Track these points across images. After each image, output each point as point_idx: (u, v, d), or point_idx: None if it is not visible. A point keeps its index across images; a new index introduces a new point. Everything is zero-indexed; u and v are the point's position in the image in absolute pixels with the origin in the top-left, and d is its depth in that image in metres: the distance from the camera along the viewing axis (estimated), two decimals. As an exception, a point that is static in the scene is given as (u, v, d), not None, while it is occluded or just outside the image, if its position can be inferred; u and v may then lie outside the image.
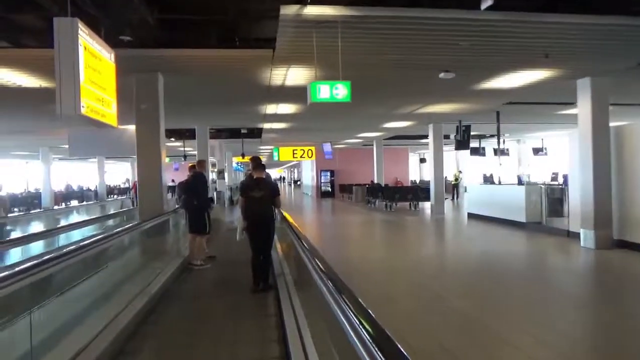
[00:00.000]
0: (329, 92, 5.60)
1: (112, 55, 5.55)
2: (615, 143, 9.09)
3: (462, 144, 15.80)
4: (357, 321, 1.70)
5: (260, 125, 16.44)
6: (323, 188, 30.21)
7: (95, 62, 4.91)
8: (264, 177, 6.36)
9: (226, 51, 6.86)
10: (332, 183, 30.28)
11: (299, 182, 46.05)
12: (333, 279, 2.40)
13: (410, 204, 19.27)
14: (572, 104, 12.93)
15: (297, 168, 51.24)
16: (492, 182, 15.38)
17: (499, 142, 15.17)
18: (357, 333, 1.64)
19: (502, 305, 5.79)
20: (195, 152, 16.01)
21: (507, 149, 23.48)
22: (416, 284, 6.87)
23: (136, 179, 19.69)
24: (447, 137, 24.15)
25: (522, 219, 12.14)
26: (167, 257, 7.76)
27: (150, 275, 6.29)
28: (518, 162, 27.15)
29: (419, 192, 19.11)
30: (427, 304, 5.76)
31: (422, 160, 38.79)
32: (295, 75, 8.33)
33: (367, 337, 1.54)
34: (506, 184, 14.66)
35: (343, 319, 1.89)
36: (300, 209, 21.93)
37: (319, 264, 2.89)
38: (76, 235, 12.41)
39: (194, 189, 7.76)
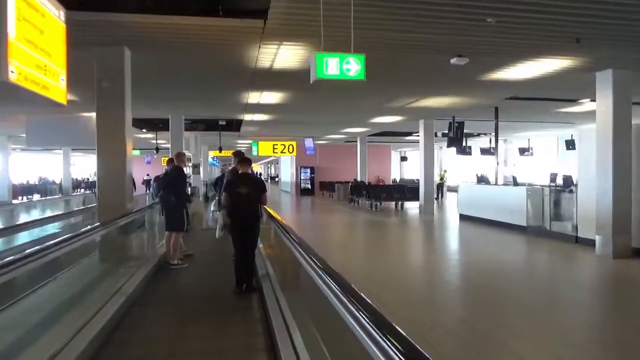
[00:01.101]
0: (337, 67, 4.50)
1: (62, 14, 4.32)
2: (636, 143, 8.29)
3: (454, 142, 14.94)
4: (368, 322, 1.59)
5: (241, 117, 15.23)
6: (303, 185, 29.14)
7: (34, 15, 3.70)
8: (250, 172, 6.10)
9: (208, 20, 5.69)
10: (312, 180, 29.22)
11: (276, 179, 44.77)
12: (339, 281, 2.18)
13: (396, 203, 18.38)
14: (574, 100, 12.24)
15: (275, 164, 49.92)
16: (487, 182, 14.58)
17: (497, 141, 14.37)
18: (373, 340, 1.49)
19: (517, 319, 5.02)
20: (169, 145, 14.67)
21: (494, 148, 22.90)
22: (415, 294, 6.11)
23: None
24: (403, 134, 23.58)
25: (522, 222, 11.32)
26: (141, 256, 7.22)
27: (123, 276, 5.74)
28: (504, 162, 26.59)
29: (406, 191, 18.21)
30: (430, 316, 5.09)
31: (403, 159, 38.15)
32: (286, 55, 7.22)
33: (389, 345, 1.36)
34: (502, 184, 13.85)
35: (352, 321, 1.75)
36: (280, 207, 20.77)
37: (318, 262, 2.64)
38: (26, 236, 11.06)
39: (172, 184, 7.27)
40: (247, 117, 14.92)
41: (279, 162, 43.77)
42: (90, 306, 4.39)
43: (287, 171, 33.74)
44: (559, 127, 20.57)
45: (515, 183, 13.68)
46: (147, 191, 13.41)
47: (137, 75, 8.12)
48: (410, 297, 6.06)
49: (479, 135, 25.13)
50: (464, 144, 17.36)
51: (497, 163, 14.07)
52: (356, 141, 25.07)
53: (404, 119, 15.69)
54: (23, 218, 16.02)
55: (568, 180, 11.43)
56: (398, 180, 34.28)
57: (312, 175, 29.17)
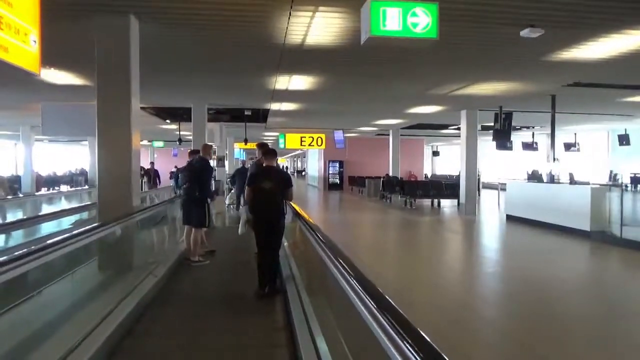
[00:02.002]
0: (399, 20, 3.30)
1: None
2: None
3: (501, 134, 13.54)
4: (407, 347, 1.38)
5: (267, 106, 14.16)
6: (331, 180, 28.01)
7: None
8: (275, 165, 5.63)
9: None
10: (340, 175, 28.05)
11: (303, 173, 43.79)
12: (372, 292, 1.92)
13: (432, 201, 17.07)
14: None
15: (302, 157, 48.94)
16: (540, 180, 13.13)
17: (553, 135, 12.85)
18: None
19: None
20: (192, 136, 13.74)
21: (536, 143, 21.25)
22: (464, 313, 5.13)
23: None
24: (457, 127, 21.96)
25: (585, 226, 9.92)
26: (161, 252, 6.93)
27: (141, 273, 5.36)
28: (547, 158, 24.79)
29: (444, 188, 16.87)
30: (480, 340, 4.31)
31: (435, 154, 36.53)
32: (321, 26, 6.07)
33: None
34: (559, 182, 12.40)
35: (386, 340, 1.53)
36: (306, 203, 19.71)
37: (349, 269, 2.35)
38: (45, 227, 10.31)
39: (200, 177, 6.87)
40: (274, 106, 13.85)
41: (306, 156, 42.79)
42: (98, 309, 3.99)
43: (314, 165, 32.66)
44: (611, 121, 18.82)
45: (572, 181, 12.24)
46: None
47: (148, 53, 7.13)
48: (458, 316, 5.00)
49: (520, 128, 23.40)
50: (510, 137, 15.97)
51: (555, 159, 12.57)
52: (388, 134, 23.79)
53: (445, 109, 14.33)
54: (44, 210, 15.40)
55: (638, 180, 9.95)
56: (429, 176, 32.82)
57: (341, 169, 28.00)
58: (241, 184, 12.96)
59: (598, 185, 11.03)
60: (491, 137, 16.40)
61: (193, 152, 7.60)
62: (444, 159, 38.62)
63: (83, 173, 30.46)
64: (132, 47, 5.63)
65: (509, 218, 12.80)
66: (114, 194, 5.47)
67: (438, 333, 4.04)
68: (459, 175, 29.79)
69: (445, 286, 6.58)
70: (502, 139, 13.78)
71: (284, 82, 9.87)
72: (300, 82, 9.90)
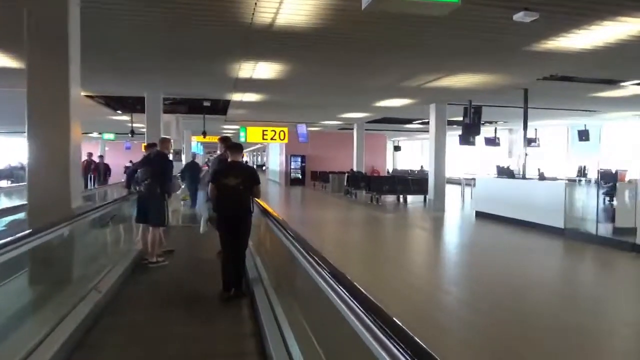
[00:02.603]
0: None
1: None
2: None
3: (470, 129, 13.26)
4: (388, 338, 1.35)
5: (228, 97, 13.28)
6: (293, 175, 27.29)
7: None
8: (240, 160, 5.40)
9: None
10: (303, 169, 27.38)
11: (264, 167, 42.82)
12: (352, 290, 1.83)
13: (398, 197, 16.68)
14: (617, 82, 10.59)
15: (262, 152, 47.88)
16: (511, 176, 12.92)
17: (525, 128, 12.61)
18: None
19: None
20: (145, 129, 12.67)
21: (499, 139, 21.32)
22: (431, 317, 4.84)
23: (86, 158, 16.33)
24: (426, 122, 21.79)
25: (559, 223, 9.68)
26: (114, 254, 6.44)
27: (95, 276, 5.00)
28: (508, 154, 25.10)
29: (410, 183, 16.51)
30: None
31: (397, 149, 36.51)
32: (296, 4, 5.36)
33: None
34: (529, 179, 12.19)
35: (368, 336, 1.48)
36: (268, 199, 18.92)
37: (325, 265, 2.27)
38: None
39: (162, 173, 6.48)
40: (236, 97, 13.00)
41: (267, 150, 41.84)
42: (46, 319, 3.61)
43: (275, 159, 31.83)
44: (572, 117, 19.07)
45: (542, 177, 12.07)
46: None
47: (93, 31, 6.22)
48: (429, 317, 4.61)
49: (484, 123, 23.41)
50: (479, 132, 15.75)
51: (526, 154, 12.35)
52: (351, 128, 23.32)
53: (414, 103, 13.91)
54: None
55: (608, 175, 9.82)
56: (391, 171, 32.69)
57: (303, 164, 27.33)
58: (192, 179, 12.24)
59: (570, 181, 10.88)
60: (454, 132, 16.07)
61: (150, 146, 7.24)
62: (405, 154, 38.71)
63: (24, 167, 28.42)
64: (71, 21, 4.72)
65: (479, 214, 12.52)
66: (48, 195, 4.55)
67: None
68: (422, 170, 30.22)
69: (418, 286, 6.09)
70: (472, 134, 13.49)
71: (248, 69, 9.07)
72: (267, 70, 9.13)
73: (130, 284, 5.52)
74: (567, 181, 10.95)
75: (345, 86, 11.31)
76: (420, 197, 16.39)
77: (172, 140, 15.55)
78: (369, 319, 1.52)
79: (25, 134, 4.57)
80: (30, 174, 4.57)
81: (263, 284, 4.91)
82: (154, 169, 6.44)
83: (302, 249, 2.92)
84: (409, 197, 16.51)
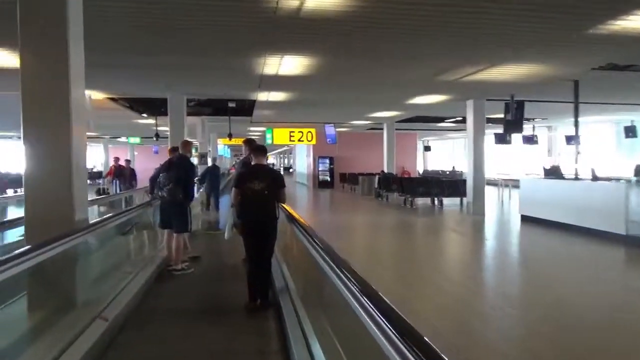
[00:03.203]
0: None
1: None
2: None
3: (512, 126, 12.30)
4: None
5: (253, 97, 12.69)
6: (321, 177, 26.62)
7: None
8: (265, 163, 5.16)
9: None
10: (331, 171, 26.68)
11: (291, 170, 42.33)
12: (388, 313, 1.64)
13: (433, 200, 15.76)
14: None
15: (289, 154, 47.43)
16: (560, 176, 11.88)
17: (577, 125, 11.61)
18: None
19: None
20: (169, 132, 12.18)
21: (536, 137, 20.12)
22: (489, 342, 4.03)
23: (113, 163, 15.97)
24: (460, 120, 20.74)
25: (619, 229, 8.68)
26: (140, 259, 6.33)
27: (117, 284, 4.91)
28: (548, 152, 23.79)
29: (446, 185, 15.59)
30: None
31: (427, 149, 35.37)
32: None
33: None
34: (582, 179, 11.14)
35: None
36: (296, 202, 18.28)
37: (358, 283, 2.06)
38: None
39: (185, 177, 6.37)
40: (261, 96, 12.39)
41: (293, 152, 41.36)
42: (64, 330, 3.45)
43: (303, 162, 31.23)
44: (618, 112, 17.80)
45: (595, 177, 11.02)
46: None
47: (110, 30, 5.68)
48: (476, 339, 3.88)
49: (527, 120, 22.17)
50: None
51: (578, 153, 11.33)
52: (380, 128, 22.51)
53: (449, 99, 13.02)
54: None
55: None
56: (421, 172, 31.64)
57: (332, 166, 26.63)
58: (213, 183, 11.77)
59: (631, 181, 9.83)
60: (489, 131, 15.00)
61: (174, 150, 7.13)
62: (435, 154, 37.55)
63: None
64: (70, 4, 4.12)
65: (525, 219, 11.54)
66: (47, 207, 3.96)
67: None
68: (453, 171, 29.10)
69: (465, 300, 5.28)
70: (513, 131, 12.54)
71: (274, 65, 8.41)
72: (294, 64, 8.45)
73: (153, 294, 5.32)
74: (627, 182, 9.88)
75: (379, 82, 10.54)
76: (456, 200, 15.49)
77: (196, 144, 15.09)
78: (404, 346, 1.39)
79: (21, 138, 3.99)
80: (27, 183, 3.97)
81: (290, 294, 4.68)
82: (177, 174, 6.29)
83: (332, 263, 2.66)
84: (445, 200, 15.59)
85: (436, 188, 15.37)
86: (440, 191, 15.34)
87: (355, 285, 2.06)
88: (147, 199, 8.16)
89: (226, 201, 18.84)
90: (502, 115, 14.33)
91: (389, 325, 1.54)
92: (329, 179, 26.48)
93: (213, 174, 11.85)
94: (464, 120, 20.87)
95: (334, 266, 2.58)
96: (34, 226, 3.93)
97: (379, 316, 1.66)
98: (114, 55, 7.93)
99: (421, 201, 15.99)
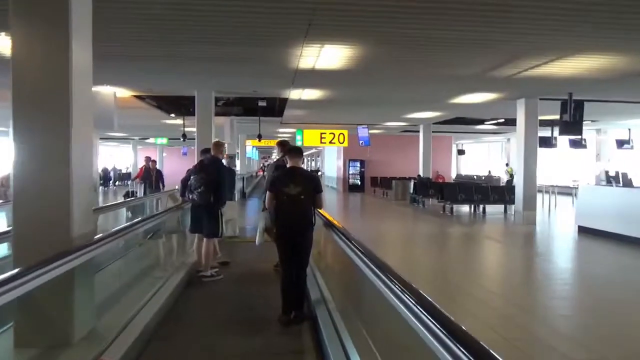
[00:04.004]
0: None
1: None
2: None
3: (570, 128, 11.12)
4: None
5: (285, 95, 11.88)
6: (351, 181, 25.69)
7: None
8: (301, 166, 4.85)
9: None
10: (362, 175, 25.72)
11: (320, 173, 41.54)
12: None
13: (475, 207, 14.64)
14: None
15: (317, 157, 46.60)
16: (627, 184, 10.67)
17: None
18: None
19: None
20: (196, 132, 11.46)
21: (585, 140, 18.70)
22: None
23: (144, 164, 15.25)
24: (502, 122, 19.50)
25: None
26: (169, 265, 6.20)
27: (145, 290, 4.72)
28: (596, 157, 22.25)
29: (490, 191, 14.45)
30: None
31: (461, 152, 33.99)
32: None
33: None
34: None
35: None
36: (329, 208, 17.37)
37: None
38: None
39: (216, 180, 6.13)
40: (294, 94, 11.58)
41: (322, 155, 40.53)
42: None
43: (332, 164, 30.36)
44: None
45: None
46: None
47: (120, 9, 4.94)
48: None
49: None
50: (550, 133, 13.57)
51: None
52: (413, 131, 21.50)
53: (497, 98, 11.92)
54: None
55: None
56: (454, 176, 30.34)
57: (362, 169, 25.68)
58: (229, 185, 11.00)
59: None
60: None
61: (205, 151, 6.80)
62: (469, 158, 36.13)
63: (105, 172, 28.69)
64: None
65: (583, 230, 10.36)
66: (39, 219, 3.18)
67: None
68: (489, 176, 27.74)
69: (529, 329, 4.27)
70: (571, 133, 11.38)
71: (311, 56, 7.56)
72: (333, 56, 7.57)
73: (181, 301, 5.11)
74: None
75: (424, 77, 9.57)
76: (499, 208, 14.37)
77: (226, 145, 14.41)
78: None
79: (11, 130, 3.22)
80: (16, 193, 3.18)
81: (327, 306, 4.45)
82: (208, 176, 6.07)
83: (382, 274, 2.43)
84: (489, 208, 14.46)
85: (479, 194, 14.24)
86: (484, 198, 14.21)
87: (411, 299, 1.90)
88: (170, 205, 7.82)
89: (254, 205, 18.28)
90: (547, 117, 13.23)
91: (458, 346, 1.42)
92: (359, 183, 25.55)
93: (229, 176, 11.05)
94: (506, 123, 19.75)
95: (383, 276, 2.38)
96: (23, 245, 3.14)
97: (442, 332, 1.54)
98: (138, 47, 7.23)
99: (463, 208, 14.91)
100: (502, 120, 18.60)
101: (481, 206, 14.39)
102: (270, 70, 8.88)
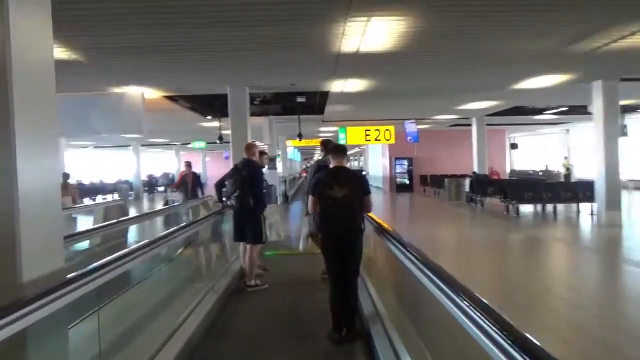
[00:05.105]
0: None
1: None
2: None
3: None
4: None
5: (326, 88, 10.76)
6: (398, 180, 24.26)
7: None
8: (346, 166, 4.43)
9: None
10: (409, 173, 24.26)
11: (363, 172, 40.31)
12: None
13: (543, 206, 12.99)
14: None
15: (359, 156, 45.30)
16: None
17: None
18: None
19: None
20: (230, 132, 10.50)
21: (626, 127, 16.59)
22: None
23: (182, 169, 14.07)
24: (561, 112, 17.60)
25: None
26: (210, 275, 5.89)
27: (187, 302, 4.47)
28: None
29: (561, 189, 12.77)
30: None
31: (513, 146, 31.73)
32: None
33: None
34: None
35: None
36: (377, 210, 16.10)
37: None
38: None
39: (251, 182, 5.82)
40: (336, 86, 10.42)
41: (364, 154, 39.29)
42: None
43: (377, 163, 29.01)
44: None
45: None
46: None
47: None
48: None
49: (637, 109, 18.62)
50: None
51: None
52: (464, 124, 19.93)
53: (569, 80, 10.30)
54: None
55: None
56: (508, 172, 28.28)
57: (410, 167, 24.20)
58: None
59: None
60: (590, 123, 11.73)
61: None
62: (521, 152, 33.78)
63: (128, 182, 28.48)
64: None
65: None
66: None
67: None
68: (547, 171, 25.61)
69: None
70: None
71: (355, 34, 6.36)
72: (382, 32, 6.33)
73: (224, 315, 4.78)
74: None
75: (488, 56, 8.14)
76: (571, 207, 12.68)
77: (264, 147, 13.45)
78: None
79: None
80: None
81: (382, 322, 4.03)
82: (242, 179, 5.83)
83: (453, 294, 2.10)
84: (559, 207, 12.78)
85: (549, 192, 12.58)
86: (554, 196, 12.54)
87: (493, 327, 1.61)
88: (199, 216, 7.43)
89: (297, 209, 17.33)
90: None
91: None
92: (407, 182, 24.09)
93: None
94: (569, 111, 17.86)
95: (454, 295, 2.07)
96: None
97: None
98: (160, 35, 6.30)
99: (527, 208, 13.29)
100: (566, 108, 16.80)
101: (550, 206, 12.71)
102: (309, 57, 7.77)
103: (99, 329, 2.78)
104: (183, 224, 5.39)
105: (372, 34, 6.32)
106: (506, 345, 1.48)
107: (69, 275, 2.36)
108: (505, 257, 8.25)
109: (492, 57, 8.23)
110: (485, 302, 1.82)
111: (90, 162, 34.71)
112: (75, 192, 13.01)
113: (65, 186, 12.93)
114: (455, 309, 2.04)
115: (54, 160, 2.52)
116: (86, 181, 27.13)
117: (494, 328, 1.59)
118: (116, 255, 3.01)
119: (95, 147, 31.44)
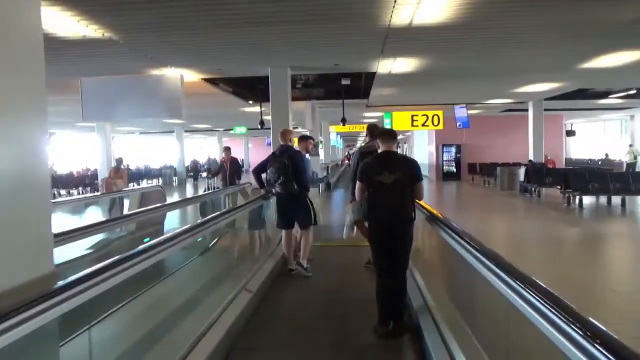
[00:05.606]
0: None
1: None
2: None
3: None
4: None
5: (373, 68, 10.05)
6: (446, 168, 23.28)
7: None
8: (396, 151, 4.24)
9: None
10: (457, 161, 23.19)
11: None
12: None
13: (608, 199, 11.85)
14: None
15: (404, 143, 44.15)
16: None
17: None
18: None
19: None
20: (271, 116, 10.01)
21: None
22: None
23: (222, 156, 13.65)
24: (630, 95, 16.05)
25: None
26: (256, 258, 6.09)
27: (233, 287, 4.51)
28: None
29: (631, 179, 11.59)
30: None
31: (570, 133, 29.84)
32: None
33: None
34: None
35: None
36: (425, 199, 15.31)
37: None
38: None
39: (292, 167, 5.78)
40: (383, 66, 9.70)
41: (409, 141, 38.23)
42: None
43: (423, 150, 28.00)
44: None
45: None
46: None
47: None
48: None
49: None
50: None
51: None
52: (516, 109, 18.79)
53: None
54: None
55: None
56: (564, 160, 26.62)
57: (458, 155, 23.14)
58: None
59: None
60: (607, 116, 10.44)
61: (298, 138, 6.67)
62: (578, 139, 31.77)
63: (172, 167, 28.73)
64: None
65: None
66: None
67: None
68: (607, 160, 23.88)
69: None
70: None
71: (410, 2, 5.65)
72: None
73: (263, 306, 4.65)
74: None
75: (560, 27, 7.19)
76: (636, 199, 11.49)
77: (306, 133, 12.91)
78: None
79: None
80: None
81: (432, 315, 3.84)
82: (284, 166, 5.79)
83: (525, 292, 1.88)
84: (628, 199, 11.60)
85: (617, 183, 11.43)
86: (623, 187, 11.38)
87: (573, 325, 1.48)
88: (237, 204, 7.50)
89: (340, 197, 16.82)
90: None
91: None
92: (455, 170, 23.07)
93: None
94: (636, 95, 16.34)
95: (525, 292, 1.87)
96: None
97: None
98: (195, 12, 5.82)
99: (588, 199, 12.17)
100: (634, 91, 15.35)
101: (619, 198, 11.56)
102: (356, 33, 7.09)
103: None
104: (216, 213, 5.00)
105: (429, 1, 5.59)
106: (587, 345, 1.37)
107: (59, 283, 1.87)
108: (573, 254, 7.38)
109: (564, 29, 7.27)
110: (558, 296, 1.66)
111: (136, 148, 35.41)
112: (126, 176, 13.61)
113: (117, 170, 13.29)
114: (519, 300, 1.90)
115: (40, 148, 2.03)
116: (132, 166, 27.62)
117: (569, 323, 1.49)
118: (115, 259, 2.49)
119: (141, 132, 31.94)
